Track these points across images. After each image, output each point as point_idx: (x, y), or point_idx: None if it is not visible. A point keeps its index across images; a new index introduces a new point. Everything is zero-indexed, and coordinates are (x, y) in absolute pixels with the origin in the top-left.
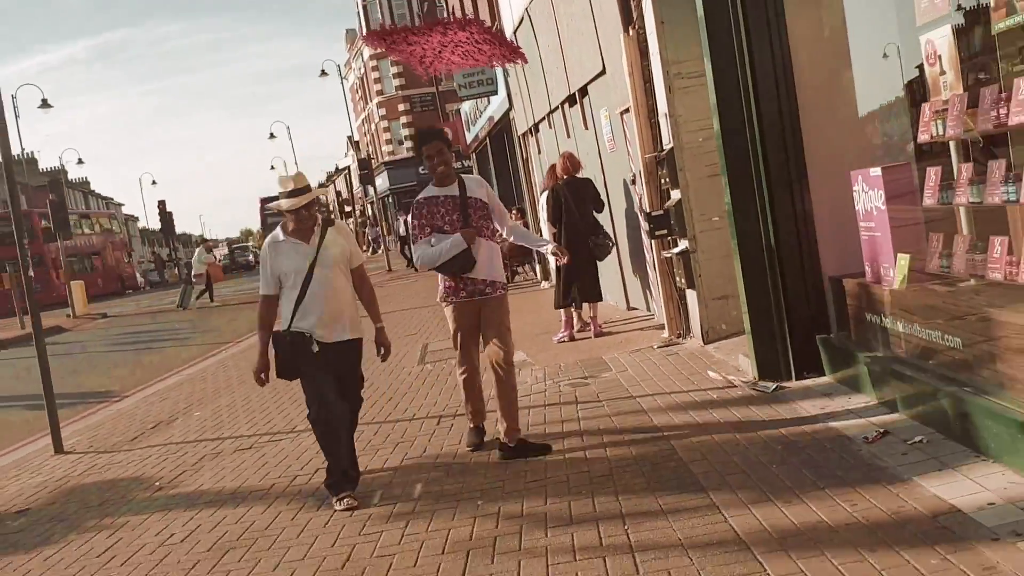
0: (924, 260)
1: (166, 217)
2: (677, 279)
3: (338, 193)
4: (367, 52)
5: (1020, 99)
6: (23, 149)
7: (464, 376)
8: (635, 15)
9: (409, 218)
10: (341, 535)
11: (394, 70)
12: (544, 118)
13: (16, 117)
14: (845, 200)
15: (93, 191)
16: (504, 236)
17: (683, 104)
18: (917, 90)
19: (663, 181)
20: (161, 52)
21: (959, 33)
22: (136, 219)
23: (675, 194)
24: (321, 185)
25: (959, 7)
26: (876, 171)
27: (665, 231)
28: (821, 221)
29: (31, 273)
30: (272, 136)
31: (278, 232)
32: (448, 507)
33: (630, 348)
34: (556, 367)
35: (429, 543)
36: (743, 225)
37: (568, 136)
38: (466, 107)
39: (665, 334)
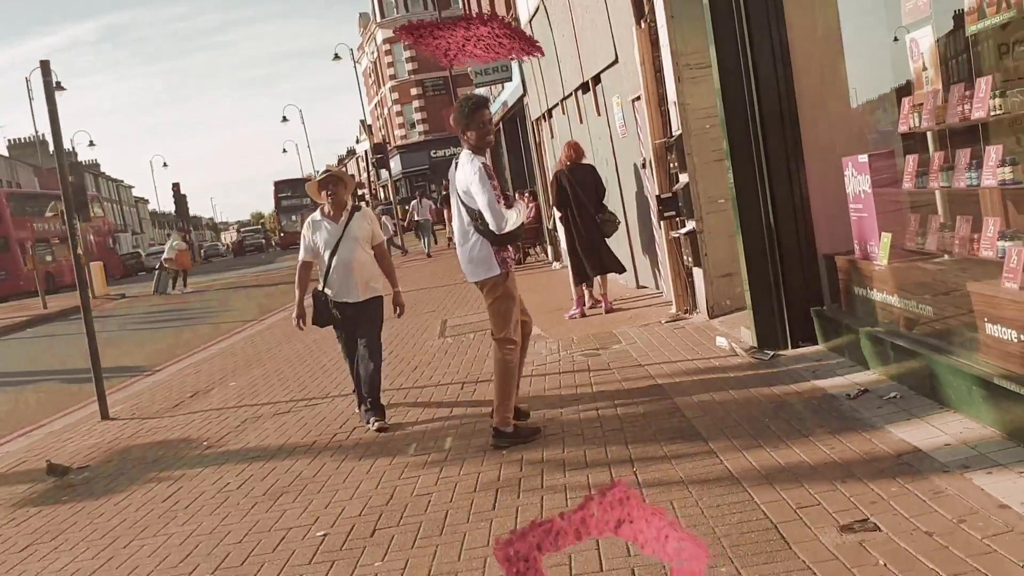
0: (904, 238)
1: (180, 200)
2: (684, 258)
3: (352, 176)
4: (380, 36)
5: (981, 96)
6: (36, 131)
7: (514, 355)
8: (647, 9)
9: (477, 180)
10: (383, 479)
11: (407, 54)
12: (558, 104)
13: (30, 100)
14: (838, 184)
15: (103, 173)
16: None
17: (691, 93)
18: (902, 84)
19: (672, 165)
20: (168, 33)
21: (940, 33)
22: (147, 201)
23: (683, 178)
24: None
25: (941, 9)
26: (863, 158)
27: (673, 212)
28: (816, 203)
29: (79, 252)
30: (285, 120)
31: (317, 213)
32: (476, 456)
33: (639, 323)
34: (569, 340)
35: (462, 484)
36: (745, 207)
37: (581, 122)
38: (479, 91)
39: (673, 310)
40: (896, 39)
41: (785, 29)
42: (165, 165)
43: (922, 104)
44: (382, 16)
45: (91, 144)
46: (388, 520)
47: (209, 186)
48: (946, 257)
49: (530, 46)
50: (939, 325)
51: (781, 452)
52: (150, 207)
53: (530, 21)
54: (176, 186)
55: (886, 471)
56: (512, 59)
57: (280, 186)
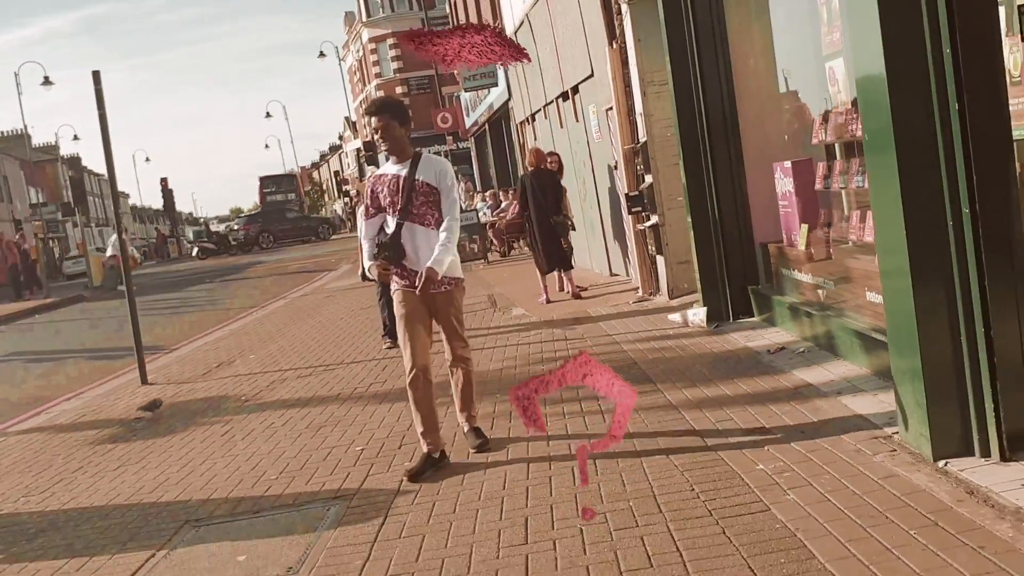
0: (818, 228)
1: (168, 195)
2: (649, 247)
3: (336, 172)
4: (366, 35)
5: (854, 116)
6: (25, 124)
7: (410, 379)
8: (618, 32)
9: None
10: (402, 416)
11: (392, 53)
12: (540, 109)
13: (19, 93)
14: (770, 185)
15: (85, 167)
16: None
17: (655, 105)
18: (822, 104)
19: (639, 167)
20: (148, 26)
21: (849, 63)
22: (127, 196)
23: (648, 178)
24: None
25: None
26: (788, 164)
27: (640, 208)
28: (753, 201)
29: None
30: (268, 115)
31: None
32: (476, 394)
33: (610, 304)
34: (550, 318)
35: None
36: (695, 204)
37: (561, 127)
38: (466, 94)
39: (639, 293)
40: (806, 70)
41: (729, 57)
42: (148, 160)
43: (827, 121)
44: (368, 15)
45: (75, 138)
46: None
47: (190, 181)
48: (846, 243)
49: (518, 53)
50: (837, 295)
51: (710, 389)
52: (131, 201)
53: (515, 32)
54: (164, 181)
55: (784, 398)
56: (502, 64)
57: (265, 181)
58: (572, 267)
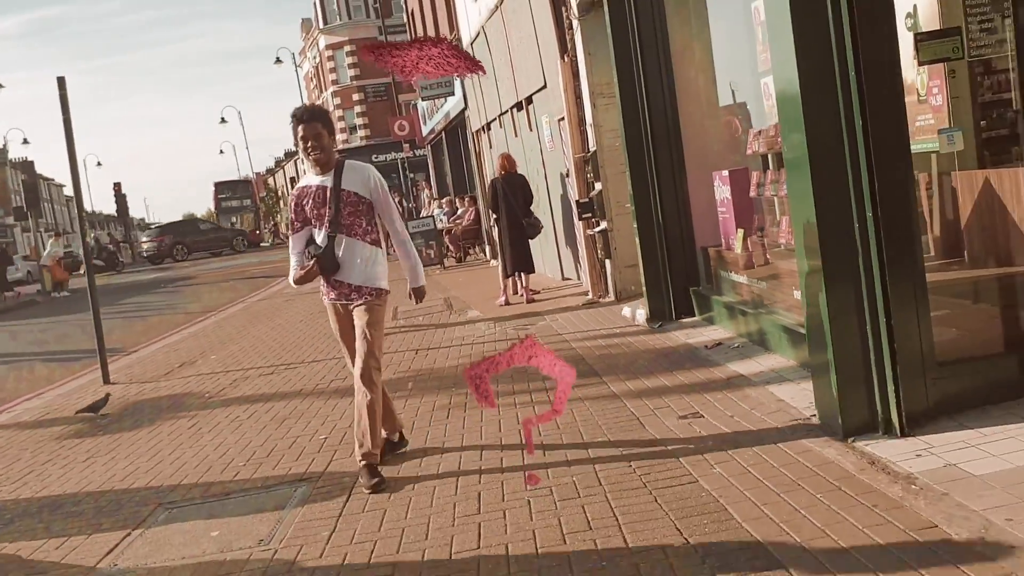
0: (752, 233)
1: (121, 199)
2: (599, 252)
3: (292, 180)
4: (323, 42)
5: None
6: None
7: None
8: (569, 46)
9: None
10: None
11: (349, 60)
12: (495, 119)
13: None
14: (710, 192)
15: (39, 174)
16: (393, 240)
17: (604, 117)
18: (757, 117)
19: (589, 175)
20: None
21: None
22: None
23: (598, 186)
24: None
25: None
26: (726, 172)
27: (590, 214)
28: (694, 207)
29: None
30: (223, 121)
31: None
32: (432, 391)
33: (562, 306)
34: (503, 319)
35: (424, 406)
36: (640, 210)
37: (516, 136)
38: (423, 103)
39: (589, 295)
40: (744, 86)
41: (672, 72)
42: (99, 164)
43: (760, 133)
44: (325, 23)
45: (25, 142)
46: None
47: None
48: (778, 246)
49: (473, 65)
50: (769, 294)
51: (651, 380)
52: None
53: (471, 43)
54: (117, 186)
55: (717, 388)
56: (457, 76)
57: (220, 187)
58: (534, 271)
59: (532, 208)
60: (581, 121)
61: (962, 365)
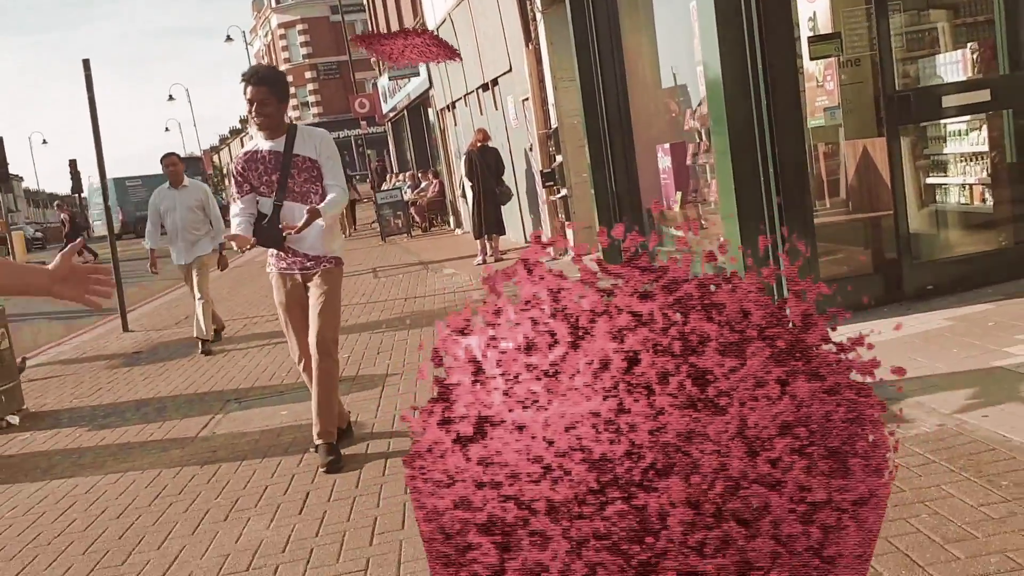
0: (688, 194)
1: (76, 177)
2: (560, 215)
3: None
4: (275, 21)
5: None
6: None
7: (302, 366)
8: (533, 35)
9: None
10: (375, 333)
11: (301, 39)
12: (461, 98)
13: None
14: (654, 162)
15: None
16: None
17: (564, 98)
18: (693, 98)
19: (551, 149)
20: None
21: None
22: (21, 178)
23: (559, 158)
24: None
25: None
26: (667, 145)
27: (552, 183)
28: (642, 174)
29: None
30: (171, 99)
31: None
32: (428, 325)
33: None
34: (478, 274)
35: (425, 333)
36: (597, 178)
37: (481, 114)
38: (383, 81)
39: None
40: (682, 71)
41: (624, 61)
42: (45, 142)
43: (695, 112)
44: (277, 2)
45: None
46: (387, 342)
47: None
48: (708, 204)
49: (451, 52)
50: (700, 243)
51: None
52: (24, 185)
53: (437, 27)
54: (73, 163)
55: None
56: (436, 62)
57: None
58: (504, 232)
59: (503, 178)
60: (544, 101)
61: (841, 281)
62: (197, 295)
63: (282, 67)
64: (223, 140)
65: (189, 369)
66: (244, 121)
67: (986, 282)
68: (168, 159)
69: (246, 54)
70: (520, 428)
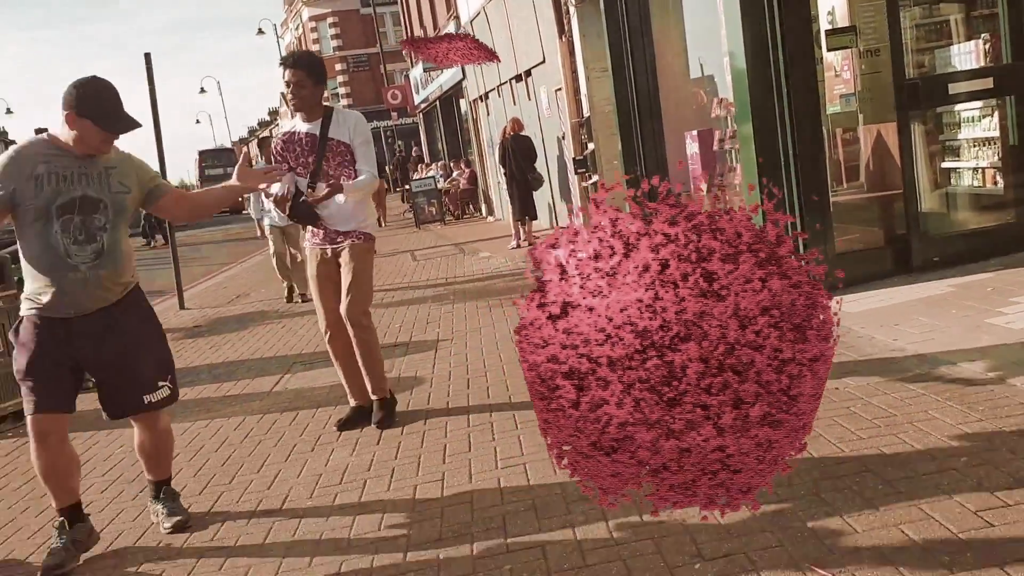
0: (715, 178)
1: None
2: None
3: (263, 139)
4: (306, 14)
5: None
6: None
7: (328, 338)
8: (567, 28)
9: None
10: (421, 309)
11: (332, 32)
12: (494, 89)
13: None
14: (683, 147)
15: (13, 141)
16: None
17: (596, 88)
18: (720, 88)
19: (583, 137)
20: None
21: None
22: None
23: (591, 145)
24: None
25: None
26: (694, 132)
27: (584, 169)
28: (671, 159)
29: None
30: (203, 91)
31: None
32: (472, 299)
33: None
34: (513, 256)
35: (468, 306)
36: (628, 164)
37: (514, 104)
38: (415, 73)
39: None
40: (710, 61)
41: (654, 52)
42: None
43: (721, 101)
44: None
45: (8, 112)
46: (434, 314)
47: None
48: (734, 186)
49: (491, 55)
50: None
51: None
52: None
53: (471, 21)
54: (42, 131)
55: None
56: (476, 63)
57: (204, 155)
58: (536, 217)
59: (535, 165)
60: (576, 91)
61: (854, 255)
62: (294, 251)
63: None
64: (252, 132)
65: (250, 339)
66: (272, 113)
67: (990, 255)
68: (269, 147)
69: (277, 47)
70: (590, 309)
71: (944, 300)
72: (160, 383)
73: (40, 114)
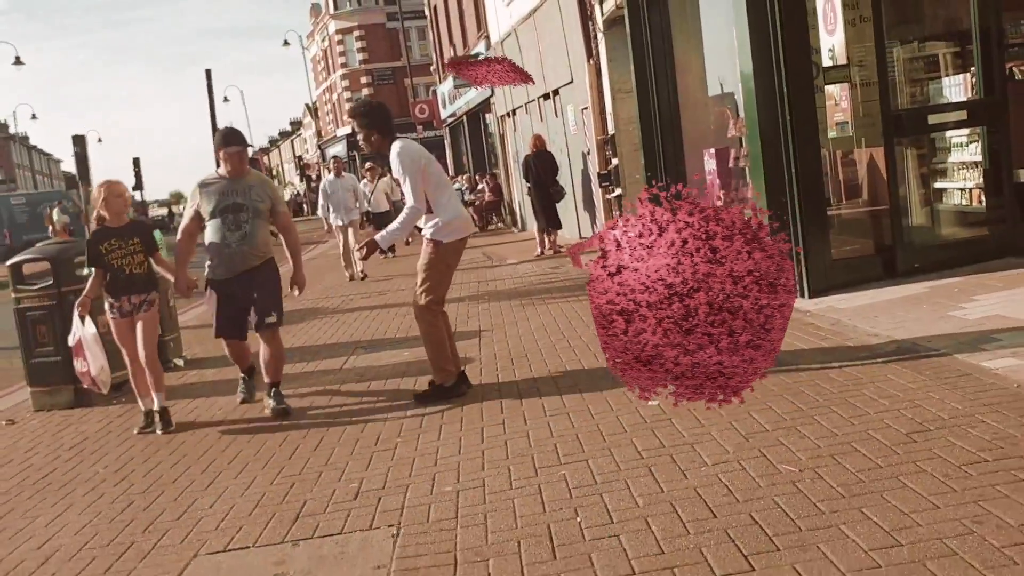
0: (731, 193)
1: (139, 176)
2: (614, 213)
3: (299, 157)
4: (333, 27)
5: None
6: None
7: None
8: (594, 52)
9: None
10: (462, 305)
11: (358, 45)
12: (522, 106)
13: None
14: (701, 164)
15: (35, 146)
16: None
17: (621, 107)
18: (736, 109)
19: (608, 153)
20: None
21: None
22: (74, 176)
23: (615, 161)
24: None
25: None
26: (712, 150)
27: (608, 183)
28: (689, 176)
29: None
30: (226, 100)
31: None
32: (505, 299)
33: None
34: (539, 263)
35: (503, 305)
36: (649, 179)
37: (541, 121)
38: (443, 88)
39: None
40: (728, 84)
41: (675, 75)
42: (100, 140)
43: (737, 121)
44: (335, 8)
45: (33, 117)
46: (474, 306)
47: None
48: (748, 201)
49: (525, 77)
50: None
51: None
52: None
53: (502, 41)
54: (136, 161)
55: None
56: (513, 85)
57: None
58: (560, 227)
59: (557, 179)
60: (602, 110)
61: (847, 261)
62: (355, 244)
63: (338, 72)
64: (272, 142)
65: (312, 329)
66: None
67: (965, 262)
68: (338, 162)
69: (302, 59)
70: (635, 269)
71: (918, 298)
72: (274, 312)
73: (65, 119)
